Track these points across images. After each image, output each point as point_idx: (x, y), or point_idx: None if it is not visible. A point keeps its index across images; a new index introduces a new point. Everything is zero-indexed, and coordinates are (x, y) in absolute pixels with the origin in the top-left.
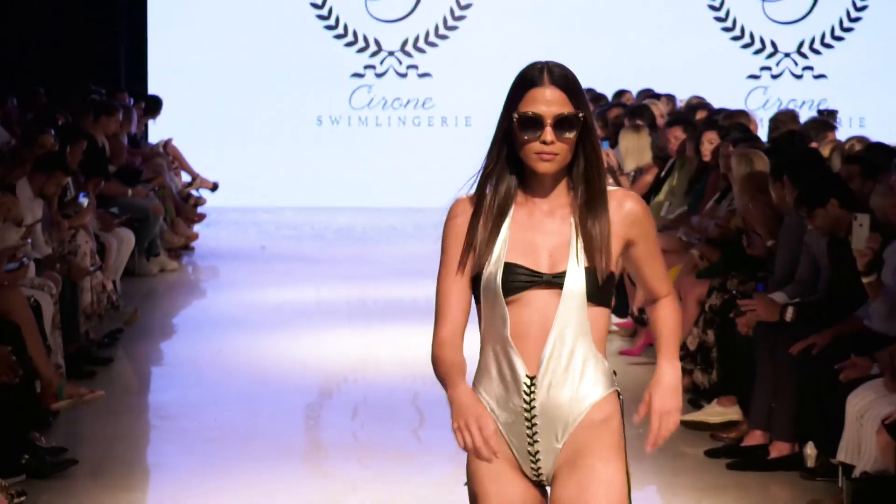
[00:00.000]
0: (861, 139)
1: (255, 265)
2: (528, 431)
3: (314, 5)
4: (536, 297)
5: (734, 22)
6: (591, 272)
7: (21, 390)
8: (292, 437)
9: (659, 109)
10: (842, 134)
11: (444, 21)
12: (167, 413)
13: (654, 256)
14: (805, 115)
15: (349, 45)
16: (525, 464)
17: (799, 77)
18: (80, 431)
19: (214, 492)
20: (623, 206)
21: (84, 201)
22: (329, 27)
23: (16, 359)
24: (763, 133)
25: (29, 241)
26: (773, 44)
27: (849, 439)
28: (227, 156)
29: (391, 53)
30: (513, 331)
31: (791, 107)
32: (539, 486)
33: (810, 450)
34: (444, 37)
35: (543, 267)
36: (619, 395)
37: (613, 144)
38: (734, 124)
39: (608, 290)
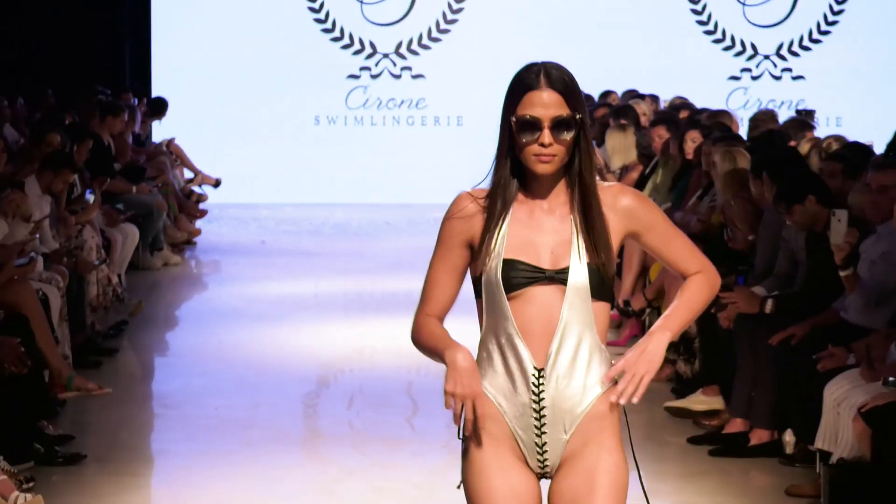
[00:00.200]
0: (838, 138)
1: (255, 259)
2: (536, 424)
3: (312, 9)
4: (539, 293)
5: (716, 25)
6: (592, 267)
7: (30, 380)
8: (291, 424)
9: (643, 109)
10: (819, 133)
11: (437, 24)
12: (171, 401)
13: (670, 240)
14: (784, 115)
15: (345, 47)
16: (531, 457)
17: (778, 78)
18: (87, 420)
19: (216, 477)
20: (619, 201)
21: (90, 198)
22: (326, 30)
23: (25, 350)
24: (743, 132)
25: (37, 236)
26: (754, 46)
27: (826, 427)
28: (228, 154)
29: (386, 55)
30: (518, 326)
31: (770, 107)
32: (537, 479)
33: (789, 437)
34: (436, 40)
35: (545, 263)
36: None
37: (600, 143)
38: (716, 123)
39: (609, 284)
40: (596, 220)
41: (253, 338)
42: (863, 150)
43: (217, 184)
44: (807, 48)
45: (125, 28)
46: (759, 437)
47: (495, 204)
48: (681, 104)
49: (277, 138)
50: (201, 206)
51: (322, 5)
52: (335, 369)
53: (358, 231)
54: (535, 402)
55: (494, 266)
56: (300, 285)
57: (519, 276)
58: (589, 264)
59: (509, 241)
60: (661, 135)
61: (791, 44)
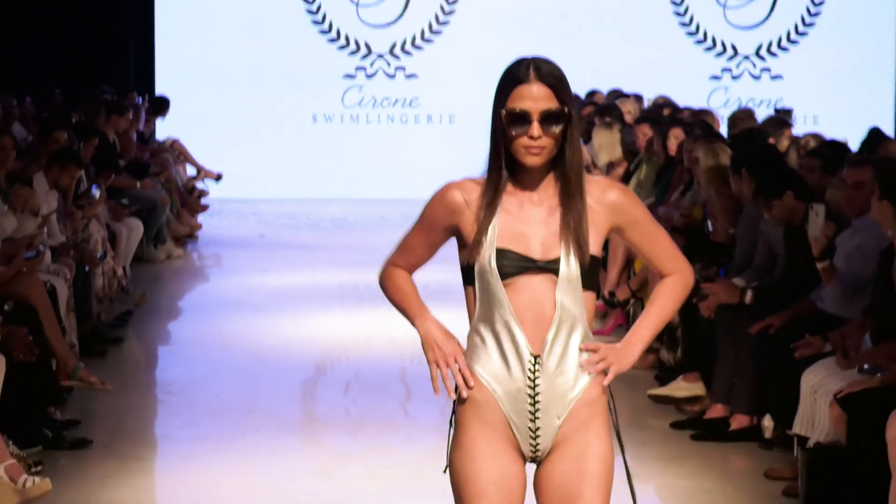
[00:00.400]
0: (815, 135)
1: (255, 252)
2: (531, 409)
3: (309, 12)
4: (530, 282)
5: (697, 27)
6: (581, 258)
7: (38, 368)
8: (289, 410)
9: (628, 108)
10: (797, 130)
11: (430, 26)
12: (173, 388)
13: (653, 237)
14: (763, 114)
15: (342, 48)
16: (524, 441)
17: (757, 78)
18: (93, 406)
19: (217, 461)
20: (607, 195)
21: (96, 193)
22: (323, 32)
23: (33, 339)
24: (724, 130)
25: (45, 229)
26: (734, 47)
27: (803, 412)
28: (228, 150)
29: (380, 56)
30: (513, 312)
31: (750, 106)
32: (524, 465)
33: (768, 422)
34: (429, 41)
35: (536, 254)
36: (605, 372)
37: (587, 140)
38: (698, 122)
39: (596, 274)
40: (582, 212)
41: (253, 327)
42: (840, 147)
43: (219, 177)
44: (785, 49)
45: (129, 30)
46: (738, 422)
47: (487, 195)
48: (664, 103)
49: (276, 136)
50: (203, 201)
51: (319, 8)
52: (332, 357)
53: (354, 225)
54: (530, 387)
55: (488, 255)
56: (298, 277)
57: (512, 264)
58: (578, 254)
59: (501, 231)
60: (645, 132)
61: (770, 45)
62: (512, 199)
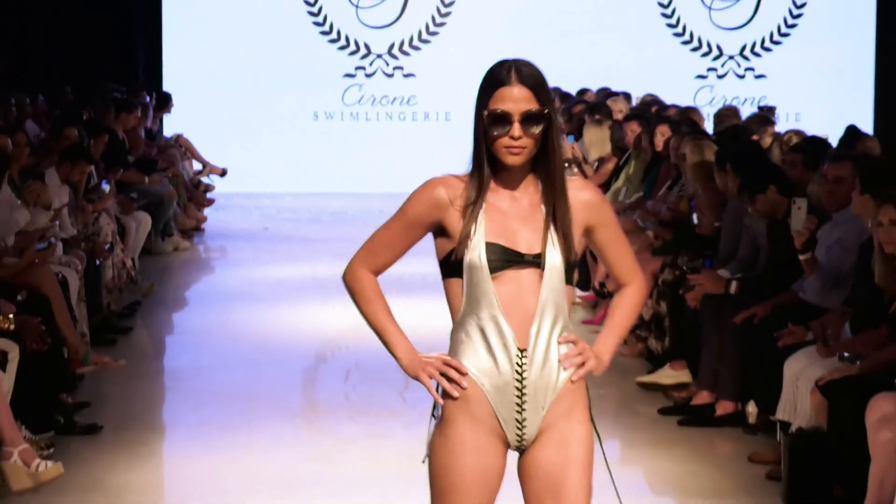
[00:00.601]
0: (797, 132)
1: (258, 245)
2: (518, 401)
3: (311, 13)
4: (517, 276)
5: (684, 28)
6: (563, 253)
7: (50, 356)
8: (291, 397)
9: (619, 107)
10: (780, 127)
11: (426, 28)
12: (180, 376)
13: (617, 243)
14: (747, 111)
15: (342, 48)
16: (511, 432)
17: (742, 77)
18: (103, 393)
19: (221, 446)
20: (582, 194)
21: (106, 188)
22: (324, 33)
23: (45, 328)
24: (709, 127)
25: (57, 223)
26: (719, 47)
27: (786, 399)
28: (233, 147)
29: (379, 56)
30: (500, 306)
31: (734, 104)
32: (506, 456)
33: (752, 408)
34: (426, 41)
35: (522, 248)
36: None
37: (578, 137)
38: (685, 119)
39: (573, 269)
40: (564, 209)
41: (256, 317)
42: (821, 143)
43: (224, 173)
44: (768, 49)
45: (137, 31)
46: (723, 408)
47: (472, 192)
48: (652, 101)
49: (279, 133)
50: (209, 195)
51: (320, 10)
52: (332, 346)
53: (354, 218)
54: (517, 380)
55: (477, 250)
56: (300, 269)
57: (500, 258)
58: (560, 250)
59: (488, 227)
60: (633, 129)
61: (753, 45)
62: (495, 196)
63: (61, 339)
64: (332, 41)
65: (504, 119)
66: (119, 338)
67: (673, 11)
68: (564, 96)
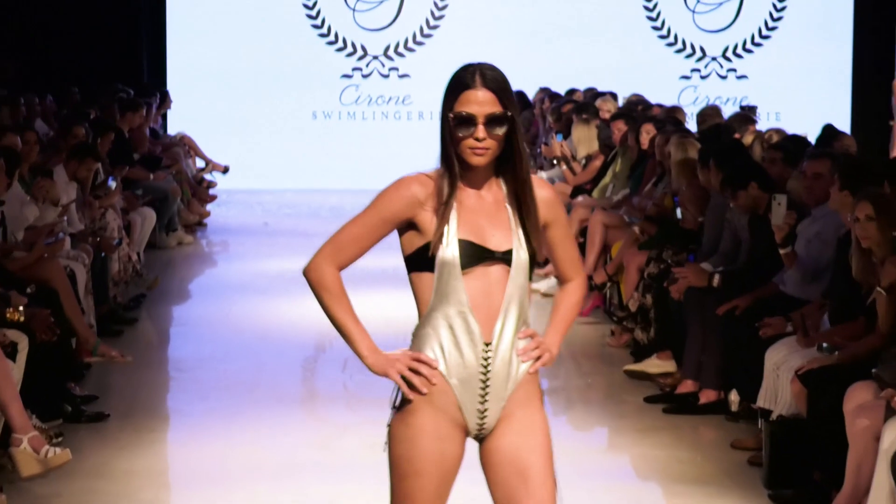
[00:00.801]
0: (778, 131)
1: (259, 239)
2: (481, 392)
3: (309, 16)
4: (486, 272)
5: (668, 31)
6: (531, 250)
7: (59, 347)
8: (291, 386)
9: (606, 106)
10: (761, 126)
11: (420, 30)
12: (184, 366)
13: (567, 240)
14: (729, 111)
15: (339, 50)
16: (472, 421)
17: (724, 77)
18: (110, 382)
19: (224, 433)
20: (540, 192)
21: (112, 184)
22: (322, 35)
23: (54, 320)
24: (692, 126)
25: (65, 218)
26: (702, 49)
27: (767, 388)
28: (234, 145)
29: (375, 57)
30: (468, 301)
31: (717, 103)
32: (465, 445)
33: (734, 396)
34: (420, 43)
35: (492, 245)
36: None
37: (567, 135)
38: (669, 118)
39: (534, 265)
40: (532, 208)
41: (257, 309)
42: (800, 141)
43: (226, 170)
44: (749, 51)
45: (142, 34)
46: (707, 396)
47: (442, 191)
48: (637, 101)
49: (279, 131)
50: (211, 191)
51: (319, 13)
52: (331, 336)
53: (351, 213)
54: (482, 373)
55: (451, 247)
56: (300, 262)
57: (472, 255)
58: (529, 247)
59: (460, 224)
60: (620, 128)
61: (735, 47)
62: (463, 195)
63: (70, 330)
64: (330, 43)
65: (469, 121)
66: (125, 329)
67: (658, 15)
68: (554, 96)
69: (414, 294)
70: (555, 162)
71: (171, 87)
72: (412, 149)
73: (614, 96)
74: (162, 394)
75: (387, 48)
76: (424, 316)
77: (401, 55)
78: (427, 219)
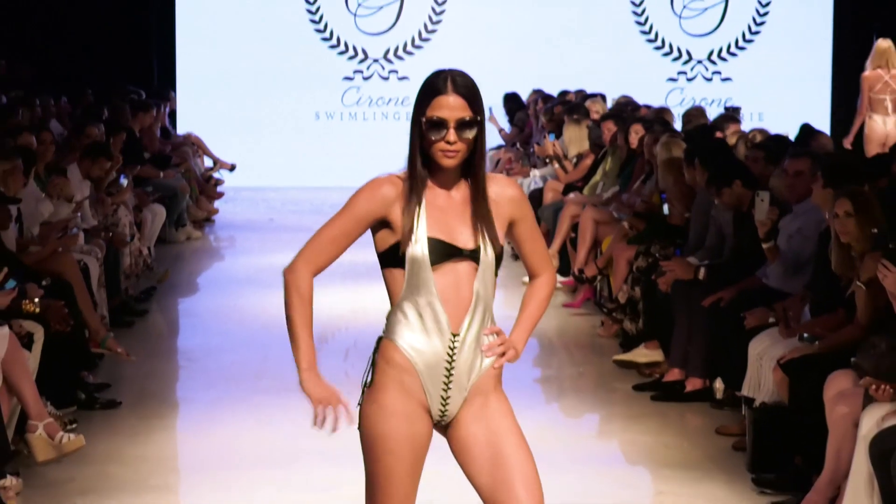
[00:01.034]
0: (761, 131)
1: (264, 235)
2: (445, 380)
3: (312, 21)
4: (454, 268)
5: (656, 35)
6: (496, 248)
7: (73, 337)
8: (295, 375)
9: (596, 108)
10: (745, 126)
11: (419, 34)
12: (193, 356)
13: (533, 236)
14: (714, 112)
15: (341, 53)
16: (434, 406)
17: (709, 80)
18: (122, 371)
19: (231, 420)
20: (506, 190)
21: (124, 182)
22: (325, 39)
23: (68, 311)
24: (679, 126)
25: (78, 214)
26: (688, 52)
27: (750, 376)
28: (241, 144)
29: (376, 60)
30: (438, 294)
31: (702, 104)
32: (432, 428)
33: (719, 385)
34: (419, 47)
35: (460, 243)
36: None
37: (559, 135)
38: (657, 118)
39: (500, 262)
40: (482, 207)
41: (263, 301)
42: (782, 140)
43: (232, 168)
44: (734, 54)
45: (153, 38)
46: (693, 384)
47: (412, 191)
48: (626, 102)
49: (283, 131)
50: (219, 189)
51: (321, 17)
52: (333, 327)
53: None
54: (448, 361)
55: (420, 244)
56: None
57: (441, 252)
58: (492, 245)
59: (429, 223)
60: (609, 128)
61: (720, 51)
62: (433, 194)
63: (83, 321)
64: (332, 47)
65: (440, 125)
66: (136, 320)
67: (646, 20)
68: (547, 97)
69: (387, 287)
70: (547, 161)
71: (180, 89)
72: None
73: (604, 98)
74: (171, 382)
75: (386, 52)
76: (395, 304)
77: (400, 58)
78: (399, 217)
